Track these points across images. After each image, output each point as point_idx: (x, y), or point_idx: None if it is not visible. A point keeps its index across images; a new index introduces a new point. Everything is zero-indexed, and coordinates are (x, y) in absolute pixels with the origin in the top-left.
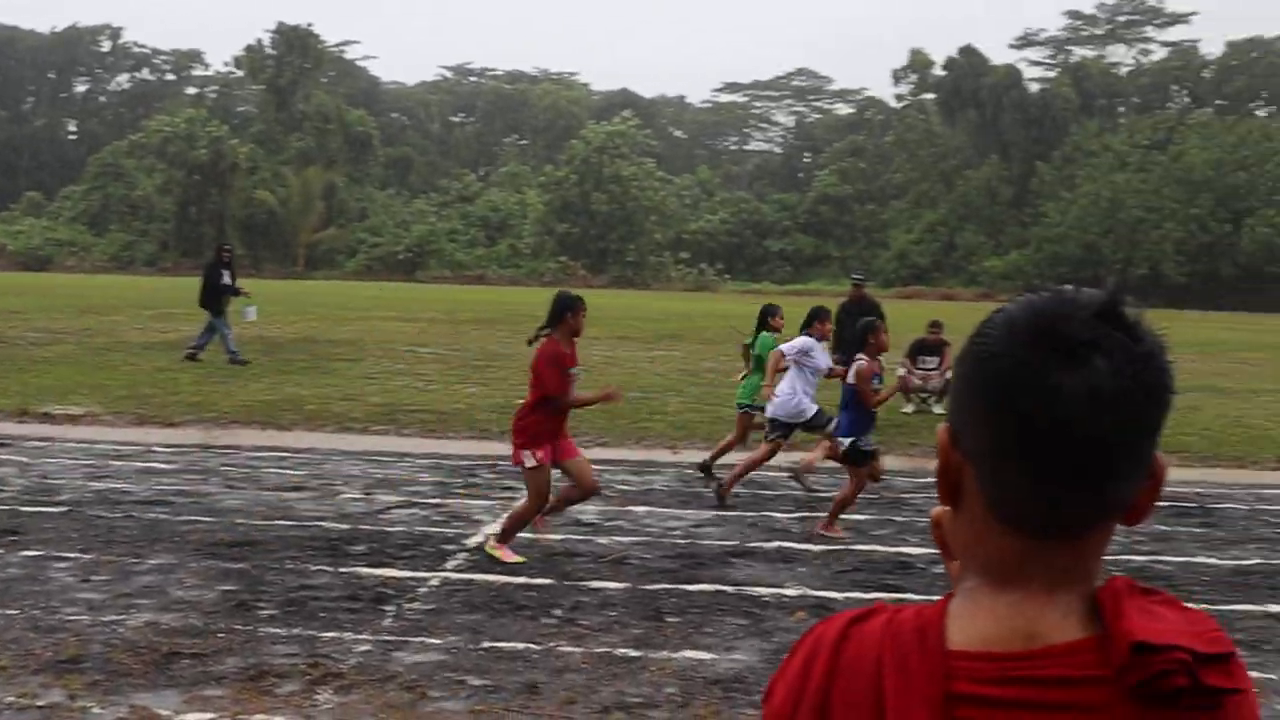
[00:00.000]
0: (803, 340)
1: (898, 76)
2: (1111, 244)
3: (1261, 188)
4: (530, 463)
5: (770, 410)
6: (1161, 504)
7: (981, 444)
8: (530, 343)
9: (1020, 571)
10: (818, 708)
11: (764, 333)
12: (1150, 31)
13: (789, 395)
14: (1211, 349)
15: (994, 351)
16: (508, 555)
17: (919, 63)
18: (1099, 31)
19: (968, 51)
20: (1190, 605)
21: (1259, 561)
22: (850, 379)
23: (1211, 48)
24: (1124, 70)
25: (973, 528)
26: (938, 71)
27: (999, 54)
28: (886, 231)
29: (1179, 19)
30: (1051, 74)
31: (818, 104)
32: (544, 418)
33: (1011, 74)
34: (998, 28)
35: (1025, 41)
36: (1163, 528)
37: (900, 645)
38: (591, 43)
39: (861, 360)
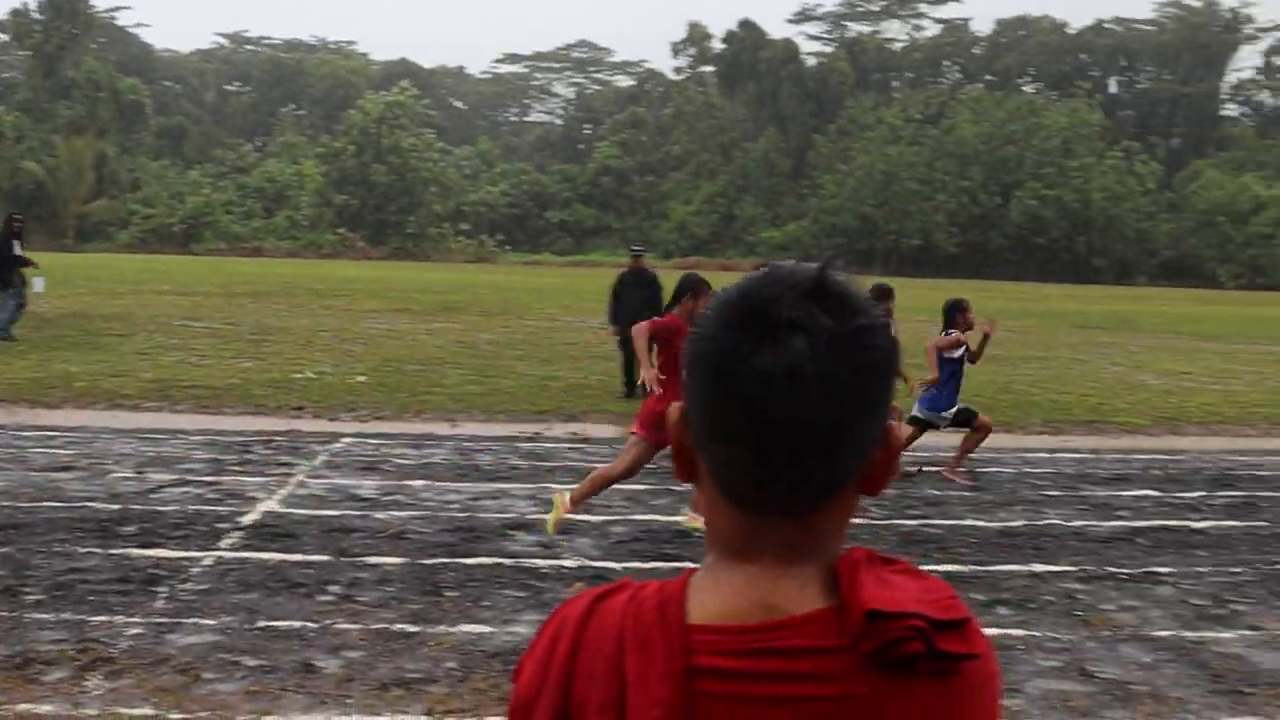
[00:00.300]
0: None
1: (677, 49)
2: (886, 215)
3: (1029, 161)
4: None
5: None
6: (930, 468)
7: (700, 424)
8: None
9: (751, 547)
10: (562, 686)
11: None
12: (924, 8)
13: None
14: (981, 317)
15: (705, 333)
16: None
17: (697, 36)
18: (875, 8)
19: (746, 25)
20: (927, 571)
21: (1024, 523)
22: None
23: (982, 25)
24: (899, 46)
25: (709, 505)
26: (717, 45)
27: (777, 28)
28: (666, 203)
29: None
30: (829, 49)
31: (598, 76)
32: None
33: (789, 48)
34: (776, 2)
35: (803, 16)
36: (934, 492)
37: (642, 621)
38: (370, 11)
39: (951, 334)
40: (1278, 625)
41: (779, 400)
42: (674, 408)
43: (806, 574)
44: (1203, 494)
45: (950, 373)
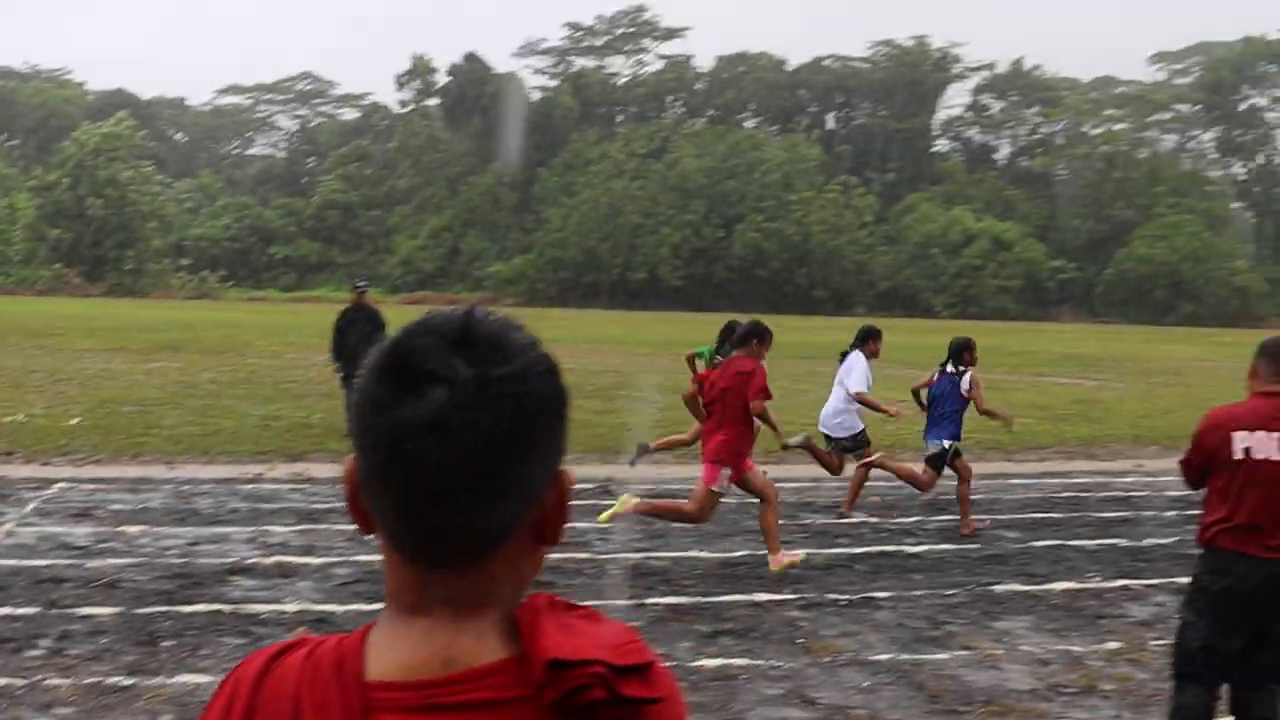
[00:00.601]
0: (864, 366)
1: (401, 82)
2: (611, 249)
3: (750, 195)
4: (719, 486)
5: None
6: None
7: (362, 476)
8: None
9: (423, 598)
10: None
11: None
12: (647, 44)
13: (843, 411)
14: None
15: (360, 385)
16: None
17: (421, 68)
18: (599, 43)
19: (471, 58)
20: (651, 604)
21: (746, 553)
22: (967, 390)
23: (704, 61)
24: (622, 81)
25: (384, 557)
26: (442, 78)
27: (502, 62)
28: (392, 237)
29: (674, 33)
30: (553, 83)
31: (322, 109)
32: (748, 437)
33: (514, 82)
34: (501, 36)
35: (528, 50)
36: (659, 524)
37: (319, 679)
38: (86, 38)
39: (971, 371)
40: (990, 645)
41: (423, 452)
42: (349, 457)
43: (484, 625)
44: (918, 519)
45: (948, 409)
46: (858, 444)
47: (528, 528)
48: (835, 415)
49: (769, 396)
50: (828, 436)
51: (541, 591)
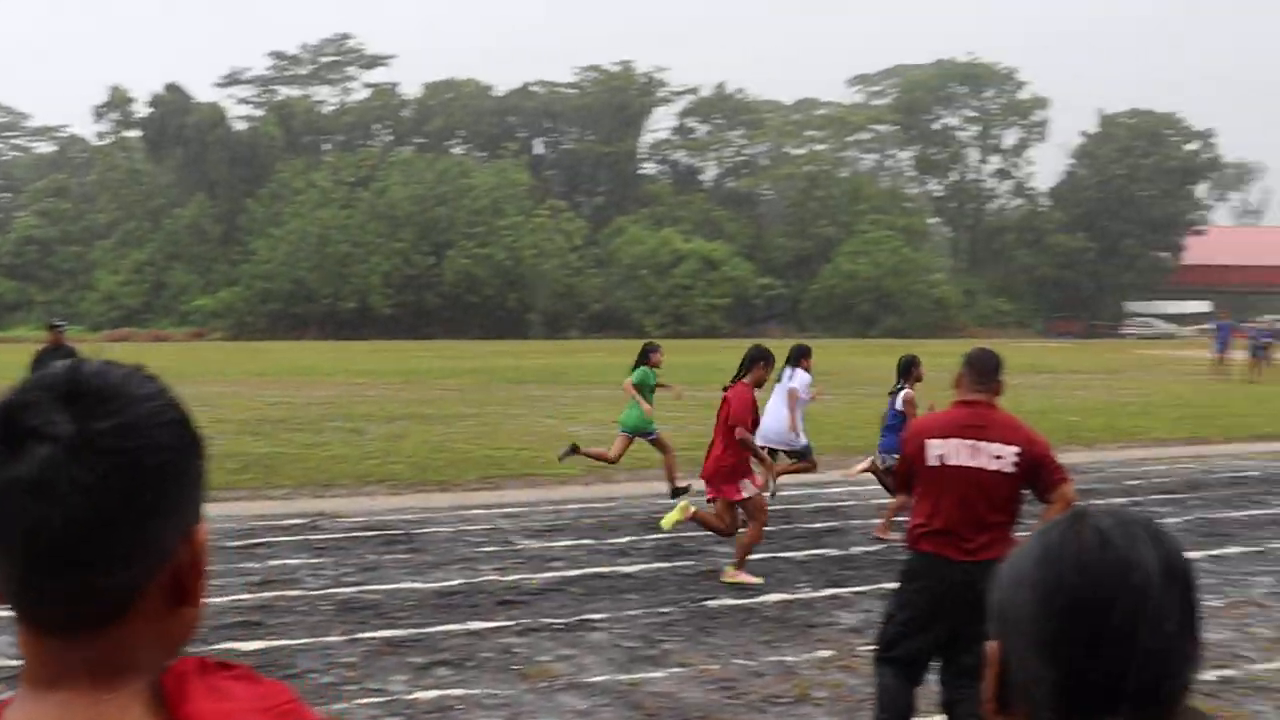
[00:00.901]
0: (805, 378)
1: (99, 113)
2: (320, 279)
3: (460, 221)
4: (749, 492)
5: (783, 441)
6: (369, 534)
7: None
8: (725, 389)
9: (58, 670)
10: None
11: (644, 367)
12: (353, 72)
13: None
14: (417, 376)
15: None
16: (746, 578)
17: (119, 99)
18: (303, 71)
19: (172, 88)
20: (366, 638)
21: (461, 581)
22: (900, 406)
23: (410, 89)
24: (328, 109)
25: (16, 628)
26: (141, 109)
27: (204, 92)
28: (93, 273)
29: (379, 61)
30: (258, 112)
31: (16, 141)
32: (740, 455)
33: (217, 112)
34: (203, 65)
35: (231, 80)
36: (371, 557)
37: None
38: None
39: (908, 390)
40: (705, 660)
41: (29, 513)
42: None
43: (126, 695)
44: (632, 539)
45: (890, 423)
46: (806, 451)
47: (162, 588)
48: (793, 427)
49: (748, 421)
50: (788, 450)
51: (192, 655)
